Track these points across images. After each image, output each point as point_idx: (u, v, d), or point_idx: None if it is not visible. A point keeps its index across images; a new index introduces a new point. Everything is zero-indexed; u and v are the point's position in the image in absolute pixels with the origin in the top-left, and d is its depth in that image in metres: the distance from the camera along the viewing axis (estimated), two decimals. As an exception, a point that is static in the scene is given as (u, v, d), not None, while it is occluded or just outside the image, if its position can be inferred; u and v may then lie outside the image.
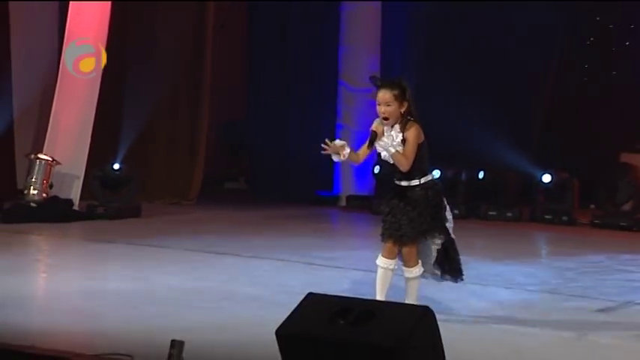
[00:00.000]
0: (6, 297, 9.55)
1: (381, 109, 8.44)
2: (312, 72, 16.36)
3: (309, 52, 16.81)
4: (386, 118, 8.35)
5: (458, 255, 8.88)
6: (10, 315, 8.72)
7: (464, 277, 8.91)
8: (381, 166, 15.23)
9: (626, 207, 14.91)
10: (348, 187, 16.11)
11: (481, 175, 15.21)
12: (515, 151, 15.98)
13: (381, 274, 8.76)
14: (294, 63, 17.00)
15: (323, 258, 11.82)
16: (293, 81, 16.55)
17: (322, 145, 8.63)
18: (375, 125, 8.52)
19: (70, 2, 16.77)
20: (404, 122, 8.41)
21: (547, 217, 14.88)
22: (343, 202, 16.03)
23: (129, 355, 7.23)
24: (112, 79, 16.39)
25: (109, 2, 16.64)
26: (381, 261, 8.73)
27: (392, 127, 8.40)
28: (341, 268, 11.12)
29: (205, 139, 16.82)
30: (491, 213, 14.99)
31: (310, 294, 6.98)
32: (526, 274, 11.47)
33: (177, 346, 6.91)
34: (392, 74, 14.52)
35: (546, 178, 15.62)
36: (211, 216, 15.07)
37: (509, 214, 14.74)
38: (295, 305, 6.89)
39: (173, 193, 16.00)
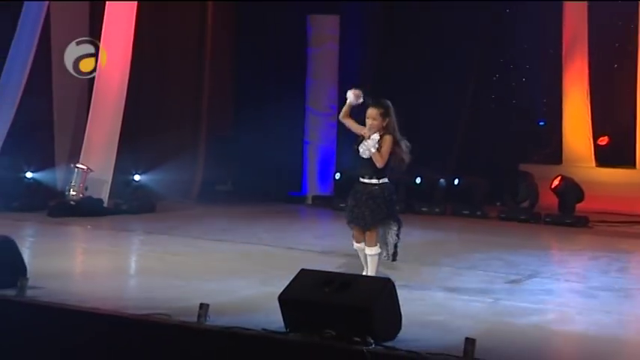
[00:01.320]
0: (58, 271, 9.82)
1: (368, 122, 8.90)
2: (286, 99, 16.06)
3: (283, 84, 16.49)
4: (371, 128, 8.86)
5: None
6: (65, 285, 9.06)
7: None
8: (341, 174, 15.46)
9: (525, 205, 14.60)
10: (313, 189, 16.14)
11: (418, 180, 15.02)
12: (441, 159, 15.80)
13: (360, 254, 9.22)
14: (271, 91, 16.75)
15: (297, 242, 12.04)
16: (270, 105, 16.26)
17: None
18: (364, 131, 8.94)
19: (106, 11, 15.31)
20: (383, 133, 8.86)
21: (465, 212, 14.84)
22: (309, 201, 16.02)
23: (167, 315, 7.61)
24: (130, 94, 15.37)
25: (136, 3, 15.39)
26: (355, 245, 9.19)
27: (374, 134, 8.90)
28: (308, 250, 11.28)
29: (204, 147, 16.48)
30: (423, 209, 14.85)
31: (302, 270, 7.55)
32: (451, 255, 11.66)
33: (204, 307, 7.40)
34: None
35: (456, 181, 15.48)
36: (208, 211, 14.94)
37: (437, 210, 14.71)
38: (289, 278, 7.45)
39: (178, 193, 15.63)
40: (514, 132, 16.19)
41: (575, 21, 15.47)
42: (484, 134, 16.03)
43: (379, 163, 8.86)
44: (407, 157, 9.29)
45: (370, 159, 8.90)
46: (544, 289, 9.86)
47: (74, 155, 15.04)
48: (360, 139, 8.98)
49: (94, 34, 16.06)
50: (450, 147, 15.68)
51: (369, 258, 9.08)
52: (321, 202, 15.70)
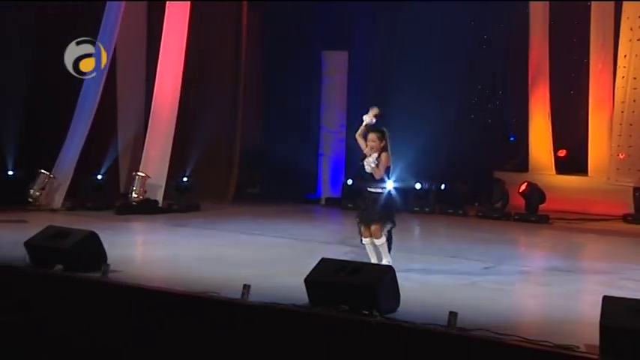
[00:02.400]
0: (129, 258, 10.02)
1: (370, 144, 9.22)
2: (304, 119, 16.07)
3: (302, 106, 16.18)
4: (371, 148, 9.17)
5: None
6: (135, 269, 9.31)
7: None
8: (354, 180, 14.82)
9: (498, 205, 14.51)
10: (326, 192, 15.99)
11: (418, 185, 14.90)
12: (431, 169, 15.50)
13: (368, 248, 9.39)
14: (292, 112, 16.30)
15: (315, 235, 12.12)
16: (292, 123, 16.09)
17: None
18: (366, 150, 9.25)
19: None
20: (380, 152, 9.18)
21: (449, 211, 14.69)
22: (323, 202, 15.85)
23: (216, 292, 7.84)
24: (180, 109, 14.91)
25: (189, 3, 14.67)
26: (364, 240, 9.39)
27: (374, 153, 9.20)
28: (327, 242, 11.37)
29: (238, 156, 16.11)
30: (416, 209, 14.71)
31: (323, 259, 7.77)
32: (439, 246, 11.76)
33: (246, 287, 7.65)
34: (355, 120, 16.07)
35: (442, 186, 15.25)
36: (242, 210, 14.74)
37: (427, 209, 14.66)
38: (312, 265, 7.70)
39: (217, 195, 15.47)
40: (490, 146, 16.04)
41: (538, 54, 15.36)
42: (465, 148, 15.76)
43: (377, 176, 9.18)
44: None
45: (372, 173, 9.28)
46: (513, 272, 10.01)
47: (134, 162, 14.92)
48: (363, 156, 9.30)
49: (153, 37, 15.20)
50: (438, 159, 15.44)
51: (380, 247, 9.29)
52: (332, 203, 15.59)
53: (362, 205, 9.51)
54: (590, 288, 8.98)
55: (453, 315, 6.77)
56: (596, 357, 6.10)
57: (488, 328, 6.73)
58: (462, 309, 7.08)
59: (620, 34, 14.52)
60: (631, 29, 14.32)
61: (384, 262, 9.23)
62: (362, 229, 9.42)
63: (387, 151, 9.30)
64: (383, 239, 9.29)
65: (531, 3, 15.35)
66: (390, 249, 9.46)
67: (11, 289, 8.83)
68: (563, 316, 7.63)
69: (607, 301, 6.34)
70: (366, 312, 7.06)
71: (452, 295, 8.40)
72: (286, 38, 16.35)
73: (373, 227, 9.27)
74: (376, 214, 9.35)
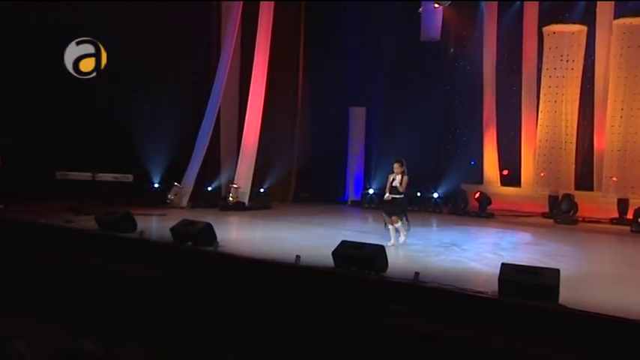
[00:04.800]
0: (232, 238, 10.22)
1: (395, 170, 9.72)
2: (337, 148, 15.98)
3: (337, 140, 15.91)
4: (397, 173, 9.67)
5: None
6: (232, 244, 9.46)
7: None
8: (373, 189, 14.88)
9: (462, 206, 14.32)
10: (351, 196, 15.82)
11: (418, 194, 14.69)
12: (422, 182, 14.94)
13: (390, 230, 9.77)
14: (328, 143, 15.90)
15: (343, 225, 12.15)
16: (327, 150, 15.87)
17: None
18: (393, 176, 9.73)
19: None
20: (402, 175, 9.69)
21: (431, 210, 14.52)
22: (349, 203, 15.63)
23: (280, 259, 8.20)
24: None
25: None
26: (389, 226, 9.79)
27: (398, 175, 9.71)
28: (348, 230, 11.29)
29: (295, 170, 15.81)
30: (415, 208, 13.95)
31: (343, 241, 8.07)
32: (420, 232, 11.33)
33: (298, 257, 8.06)
34: (371, 148, 15.93)
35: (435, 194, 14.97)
36: (296, 208, 14.64)
37: (416, 209, 14.05)
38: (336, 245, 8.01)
39: (280, 198, 15.29)
40: (458, 167, 15.58)
41: (489, 107, 15.21)
42: (442, 168, 15.55)
43: (401, 189, 9.70)
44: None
45: (397, 187, 9.73)
46: (468, 247, 10.20)
47: (230, 177, 14.58)
48: (391, 177, 9.78)
49: (246, 38, 14.12)
50: (424, 175, 14.85)
51: (399, 228, 9.74)
52: (355, 204, 15.42)
53: (388, 205, 9.84)
54: (505, 257, 9.00)
55: (416, 274, 7.34)
56: (496, 297, 6.64)
57: (437, 281, 7.20)
58: (426, 270, 7.68)
59: (542, 83, 14.36)
60: (548, 70, 14.33)
61: (401, 238, 9.72)
62: (387, 219, 9.78)
63: (406, 174, 9.75)
64: (399, 224, 9.73)
65: (484, 71, 15.12)
66: (408, 229, 9.85)
67: (159, 256, 9.02)
68: (480, 274, 8.04)
69: (504, 266, 6.96)
70: (367, 271, 7.58)
71: (421, 261, 8.63)
72: (327, 94, 15.84)
73: (394, 217, 9.73)
74: (398, 210, 9.82)
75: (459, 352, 6.04)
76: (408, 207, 10.12)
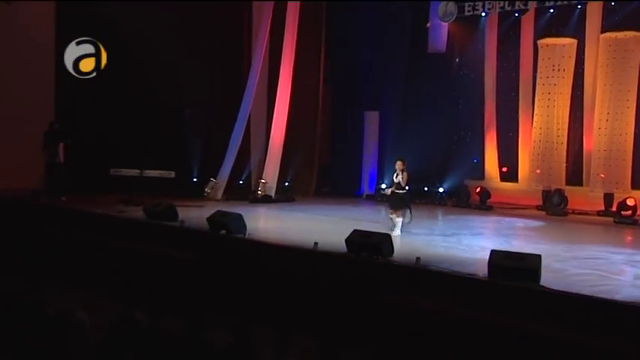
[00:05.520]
0: (258, 227, 10.16)
1: (398, 167, 9.73)
2: (354, 148, 15.80)
3: (354, 141, 15.82)
4: (401, 170, 9.69)
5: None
6: (262, 232, 9.62)
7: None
8: (387, 186, 13.98)
9: (465, 199, 14.56)
10: (366, 191, 15.54)
11: (426, 188, 14.63)
12: (429, 178, 15.01)
13: (394, 220, 9.77)
14: (348, 144, 15.79)
15: (357, 216, 11.88)
16: (345, 150, 15.85)
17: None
18: (397, 173, 9.70)
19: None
20: (403, 171, 9.67)
21: (437, 203, 14.37)
22: (364, 197, 15.28)
23: (301, 245, 8.37)
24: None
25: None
26: (392, 216, 9.85)
27: (401, 172, 9.70)
28: (361, 220, 10.93)
29: (317, 167, 15.65)
30: (422, 201, 14.06)
31: (355, 229, 8.12)
32: (424, 222, 11.35)
33: (316, 243, 8.23)
34: (385, 151, 15.49)
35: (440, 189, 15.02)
36: (318, 201, 14.37)
37: (423, 202, 14.10)
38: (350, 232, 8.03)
39: (303, 192, 15.05)
40: (463, 165, 15.44)
41: (489, 111, 15.06)
42: (448, 166, 15.33)
43: (402, 184, 9.72)
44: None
45: (399, 182, 9.72)
46: (471, 235, 10.32)
47: (259, 173, 14.46)
48: (395, 174, 9.82)
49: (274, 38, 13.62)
50: (432, 172, 14.96)
51: (400, 221, 9.76)
52: (369, 198, 15.13)
53: (392, 199, 9.92)
54: (498, 244, 8.97)
55: (417, 259, 7.52)
56: (486, 279, 6.79)
57: (436, 265, 7.38)
58: (424, 254, 7.76)
59: (537, 86, 14.20)
60: (542, 78, 14.14)
61: (396, 231, 9.59)
62: (391, 211, 9.90)
63: (407, 171, 9.76)
64: (401, 218, 9.78)
65: (486, 79, 15.02)
66: (411, 220, 9.89)
67: (197, 242, 9.16)
68: (473, 259, 8.01)
69: (493, 252, 7.07)
70: (376, 256, 7.69)
71: (422, 248, 8.67)
72: (344, 99, 15.79)
73: (397, 210, 9.82)
74: (400, 203, 9.86)
75: (453, 326, 6.28)
76: (410, 200, 10.01)
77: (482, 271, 6.94)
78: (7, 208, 11.63)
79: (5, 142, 12.11)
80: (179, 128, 13.91)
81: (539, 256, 6.80)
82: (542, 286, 6.48)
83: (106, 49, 12.91)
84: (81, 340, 4.58)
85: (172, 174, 13.19)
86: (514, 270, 6.61)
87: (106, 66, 12.29)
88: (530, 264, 6.67)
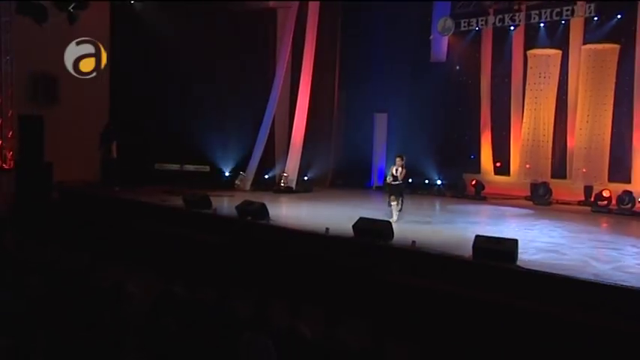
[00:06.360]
0: (277, 214, 9.88)
1: (397, 162, 9.65)
2: (365, 146, 15.57)
3: (364, 141, 15.51)
4: (399, 165, 9.58)
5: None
6: (282, 219, 9.60)
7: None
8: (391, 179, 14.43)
9: (462, 191, 14.32)
10: (376, 183, 15.30)
11: (426, 181, 14.59)
12: (431, 172, 15.04)
13: (392, 207, 9.72)
14: (359, 143, 15.44)
15: (366, 205, 11.66)
16: (360, 148, 15.45)
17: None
18: (394, 168, 9.63)
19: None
20: (402, 167, 9.59)
21: (436, 194, 14.33)
22: (374, 188, 15.01)
23: (313, 230, 8.40)
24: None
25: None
26: (391, 204, 9.77)
27: (399, 167, 9.62)
28: (368, 209, 10.69)
29: (332, 163, 15.34)
30: (423, 192, 14.14)
31: (361, 217, 8.20)
32: (423, 209, 11.54)
33: (327, 229, 8.32)
34: (390, 149, 15.17)
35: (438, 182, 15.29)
36: (333, 192, 14.26)
37: (424, 192, 14.14)
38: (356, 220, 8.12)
39: (320, 184, 14.91)
40: (461, 160, 15.36)
41: (485, 114, 14.86)
42: (448, 161, 15.11)
43: (400, 178, 9.68)
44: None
45: (397, 175, 9.67)
46: (463, 221, 10.27)
47: (282, 167, 14.33)
48: (393, 169, 9.76)
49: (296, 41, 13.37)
50: (432, 166, 15.03)
51: (398, 207, 9.69)
52: (378, 189, 14.54)
53: (391, 189, 9.88)
54: (486, 230, 8.79)
55: (413, 242, 7.69)
56: (471, 259, 6.94)
57: (429, 247, 7.48)
58: (419, 239, 7.84)
59: (526, 88, 14.05)
60: (531, 84, 14.06)
61: (393, 217, 9.55)
62: (390, 199, 9.84)
63: (404, 167, 9.70)
64: (400, 205, 9.73)
65: (482, 85, 14.84)
66: (401, 209, 9.68)
67: (227, 227, 9.23)
68: (461, 242, 7.83)
69: (477, 237, 7.18)
70: (378, 240, 7.81)
71: (418, 232, 8.65)
72: (357, 103, 15.57)
73: (396, 199, 9.75)
74: (396, 193, 9.81)
75: (443, 300, 6.45)
76: (404, 191, 9.89)
77: (468, 252, 7.06)
78: (70, 196, 12.18)
79: (69, 142, 12.60)
80: (213, 129, 14.03)
81: (515, 240, 6.95)
82: (518, 266, 6.67)
83: (153, 60, 13.37)
84: (131, 308, 4.73)
85: (207, 168, 13.55)
86: (494, 252, 6.78)
87: (155, 77, 13.00)
88: (507, 247, 6.84)
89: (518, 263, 6.71)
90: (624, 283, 5.96)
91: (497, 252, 6.75)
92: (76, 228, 10.13)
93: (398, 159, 9.70)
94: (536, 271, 6.47)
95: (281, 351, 3.70)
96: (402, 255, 7.40)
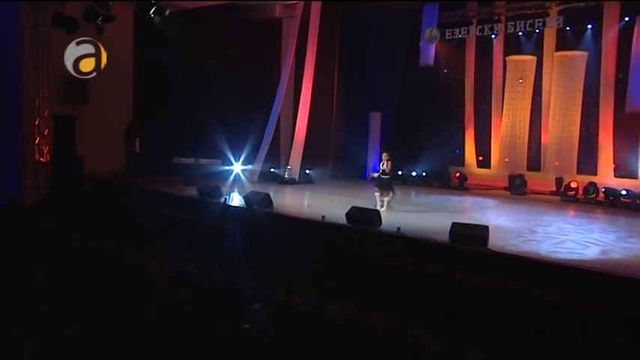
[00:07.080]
0: (280, 202, 9.71)
1: (384, 158, 9.59)
2: (361, 143, 15.32)
3: (361, 138, 15.44)
4: (387, 160, 9.52)
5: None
6: (285, 207, 9.42)
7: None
8: (375, 171, 13.42)
9: (448, 182, 14.30)
10: (370, 175, 13.59)
11: (414, 173, 14.42)
12: (417, 164, 14.79)
13: (378, 199, 9.67)
14: (356, 139, 15.18)
15: (360, 195, 11.58)
16: (357, 143, 15.38)
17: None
18: (383, 162, 9.56)
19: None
20: (389, 162, 9.54)
21: (424, 185, 14.16)
22: (369, 180, 13.15)
23: (311, 218, 8.47)
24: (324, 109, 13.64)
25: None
26: (377, 196, 9.73)
27: (386, 162, 9.58)
28: (360, 199, 10.51)
29: (332, 156, 15.21)
30: (410, 183, 14.11)
31: (353, 206, 8.25)
32: (411, 199, 11.70)
33: (323, 216, 8.33)
34: (386, 144, 14.99)
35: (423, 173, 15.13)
36: (331, 183, 14.11)
37: (410, 183, 14.00)
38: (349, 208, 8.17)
39: (320, 176, 14.56)
40: (447, 155, 15.07)
41: (468, 112, 14.74)
42: (436, 155, 14.74)
43: (387, 172, 9.66)
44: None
45: (384, 170, 9.64)
46: (451, 209, 10.33)
47: (286, 161, 14.13)
48: (382, 163, 9.75)
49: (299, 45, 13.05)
50: (420, 160, 14.89)
51: (387, 200, 9.57)
52: (373, 181, 12.83)
53: (379, 182, 9.85)
54: (466, 218, 8.87)
55: (398, 229, 7.73)
56: (448, 243, 7.06)
57: (414, 233, 7.54)
58: (404, 225, 7.86)
59: (505, 88, 14.04)
60: (509, 87, 14.20)
61: (384, 207, 9.41)
62: (376, 190, 9.81)
63: (392, 161, 9.66)
64: (389, 197, 9.63)
65: (466, 87, 14.64)
66: (393, 198, 9.59)
67: (236, 214, 9.19)
68: (440, 228, 7.70)
69: (453, 224, 7.34)
70: (367, 226, 7.92)
71: (403, 219, 8.56)
72: (353, 102, 15.37)
73: (380, 190, 9.72)
74: (384, 185, 9.77)
75: (423, 279, 6.72)
76: (392, 184, 9.79)
77: (445, 237, 7.20)
78: (99, 186, 12.41)
79: (97, 138, 12.78)
80: (224, 128, 13.84)
81: (487, 227, 7.18)
82: (489, 249, 6.85)
83: (172, 66, 13.29)
84: (151, 283, 4.82)
85: (219, 162, 13.47)
86: (468, 237, 6.96)
87: (172, 79, 12.89)
88: (480, 232, 7.03)
89: (488, 247, 6.87)
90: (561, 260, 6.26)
91: (471, 237, 6.89)
92: (104, 214, 10.39)
93: (385, 155, 9.64)
94: (504, 254, 6.69)
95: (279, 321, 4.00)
96: (389, 240, 7.54)
